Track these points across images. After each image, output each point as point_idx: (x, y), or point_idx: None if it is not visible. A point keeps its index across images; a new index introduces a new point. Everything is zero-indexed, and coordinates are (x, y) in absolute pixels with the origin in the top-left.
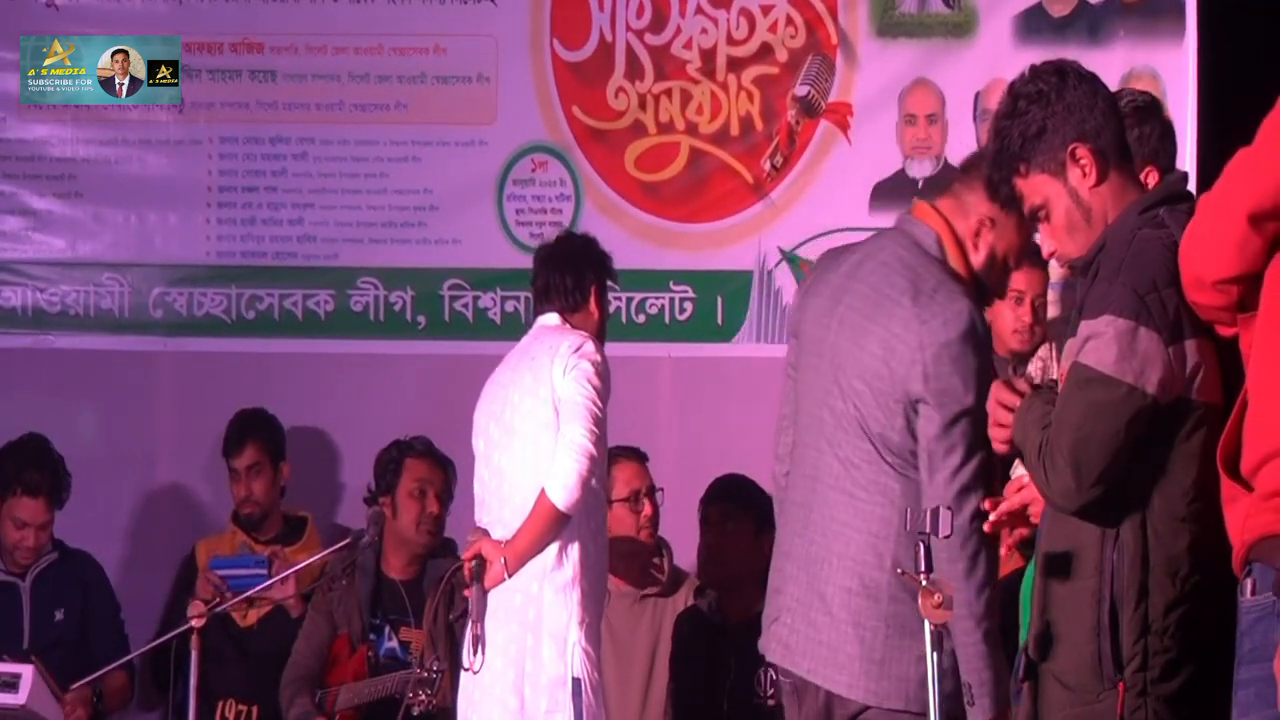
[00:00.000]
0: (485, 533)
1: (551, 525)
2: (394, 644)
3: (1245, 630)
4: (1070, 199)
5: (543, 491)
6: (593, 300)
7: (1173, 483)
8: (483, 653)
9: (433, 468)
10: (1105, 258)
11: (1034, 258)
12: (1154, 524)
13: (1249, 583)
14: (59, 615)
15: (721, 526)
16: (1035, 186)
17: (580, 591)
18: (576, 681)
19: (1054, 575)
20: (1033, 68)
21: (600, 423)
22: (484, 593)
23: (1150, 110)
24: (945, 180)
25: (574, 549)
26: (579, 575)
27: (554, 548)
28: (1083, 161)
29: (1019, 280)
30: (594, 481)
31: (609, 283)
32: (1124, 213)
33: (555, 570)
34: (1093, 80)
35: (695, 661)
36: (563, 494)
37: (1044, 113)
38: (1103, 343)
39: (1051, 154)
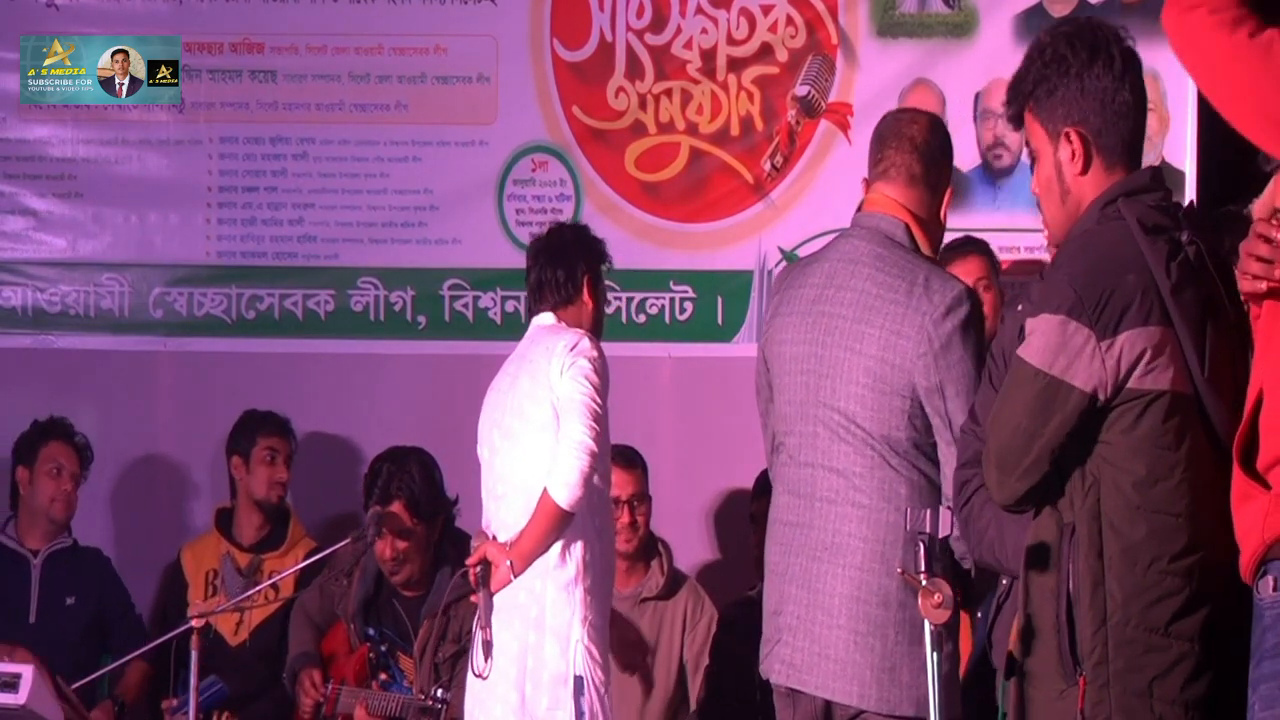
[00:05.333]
0: (490, 537)
1: (555, 524)
2: (392, 659)
3: (1269, 626)
4: (1054, 169)
5: (545, 491)
6: (586, 291)
7: (1122, 472)
8: (491, 658)
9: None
10: (1059, 253)
11: (969, 246)
12: (1108, 515)
13: (1269, 580)
14: (70, 600)
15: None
16: (1034, 132)
17: (584, 589)
18: (579, 680)
19: (1028, 569)
20: (1079, 22)
21: (600, 419)
22: (490, 596)
23: None
24: (887, 169)
25: (578, 547)
26: (582, 573)
27: (558, 546)
28: (1074, 145)
29: (957, 270)
30: (596, 479)
31: (604, 270)
32: (1089, 209)
33: (559, 568)
34: (1123, 75)
35: (736, 641)
36: (565, 492)
37: (1060, 81)
38: (1036, 336)
39: (1052, 119)
